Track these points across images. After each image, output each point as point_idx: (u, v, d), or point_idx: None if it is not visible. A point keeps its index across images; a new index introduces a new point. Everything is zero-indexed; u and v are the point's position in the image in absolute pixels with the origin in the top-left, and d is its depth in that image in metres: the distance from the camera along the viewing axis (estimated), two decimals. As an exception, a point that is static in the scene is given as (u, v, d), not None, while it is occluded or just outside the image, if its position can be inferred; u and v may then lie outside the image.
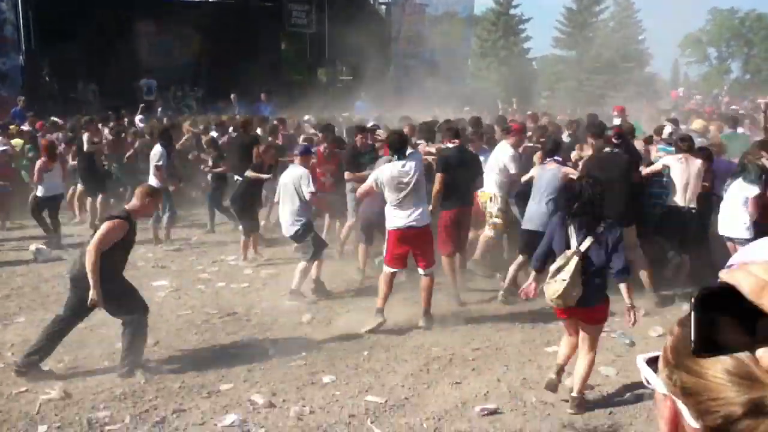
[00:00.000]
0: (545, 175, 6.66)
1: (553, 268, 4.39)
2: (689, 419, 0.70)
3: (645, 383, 0.77)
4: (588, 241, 4.37)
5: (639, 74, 39.03)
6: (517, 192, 7.32)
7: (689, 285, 6.90)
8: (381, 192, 6.20)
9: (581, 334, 4.58)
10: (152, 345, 5.67)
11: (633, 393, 4.78)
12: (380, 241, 7.51)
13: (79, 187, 10.83)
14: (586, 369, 4.51)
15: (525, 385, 4.95)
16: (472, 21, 33.18)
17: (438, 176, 6.76)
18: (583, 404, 4.54)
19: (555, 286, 4.32)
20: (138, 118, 15.08)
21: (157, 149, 9.30)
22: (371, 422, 4.38)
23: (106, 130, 12.54)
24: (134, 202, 5.30)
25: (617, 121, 10.92)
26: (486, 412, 4.49)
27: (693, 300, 0.62)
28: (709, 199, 7.07)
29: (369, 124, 11.42)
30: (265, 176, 8.44)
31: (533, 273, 4.84)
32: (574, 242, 4.43)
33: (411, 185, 5.92)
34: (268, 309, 6.70)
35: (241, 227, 8.71)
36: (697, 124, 10.94)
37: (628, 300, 4.39)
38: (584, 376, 4.52)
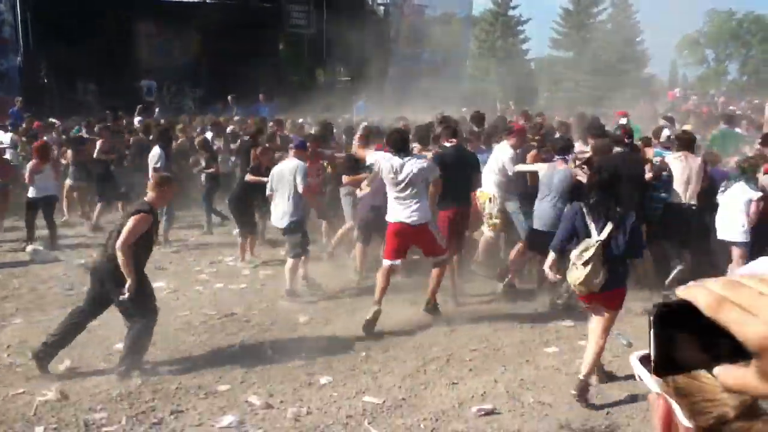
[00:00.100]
0: (556, 174, 6.63)
1: (574, 255, 4.57)
2: (682, 418, 0.70)
3: (638, 380, 0.78)
4: (607, 230, 4.55)
5: (637, 75, 39.09)
6: (520, 193, 7.30)
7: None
8: (380, 190, 6.20)
9: (596, 318, 4.71)
10: (150, 346, 5.66)
11: (630, 393, 4.78)
12: (378, 242, 7.52)
13: (68, 182, 10.76)
14: (596, 353, 4.64)
15: (522, 386, 4.95)
16: (471, 22, 33.23)
17: None
18: (586, 389, 4.60)
19: (577, 273, 4.50)
20: (137, 119, 15.05)
21: (156, 151, 9.29)
22: (368, 423, 4.38)
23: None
24: (151, 194, 5.33)
25: (623, 121, 10.92)
26: (483, 413, 4.49)
27: (651, 317, 0.62)
28: (711, 196, 7.06)
29: (362, 126, 11.41)
30: (264, 179, 8.40)
31: (551, 257, 4.97)
32: (593, 230, 4.61)
33: (402, 184, 5.94)
34: (266, 310, 6.70)
35: (237, 229, 8.70)
36: (688, 126, 11.03)
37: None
38: (593, 359, 4.65)
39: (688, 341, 0.60)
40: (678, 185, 7.03)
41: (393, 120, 11.53)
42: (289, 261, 6.97)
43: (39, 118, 13.97)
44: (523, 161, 7.40)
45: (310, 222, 8.63)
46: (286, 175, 6.93)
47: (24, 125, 13.17)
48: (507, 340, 5.90)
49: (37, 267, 8.32)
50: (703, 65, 50.06)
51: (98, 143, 10.76)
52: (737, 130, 11.16)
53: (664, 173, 7.09)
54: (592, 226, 4.65)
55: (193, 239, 9.88)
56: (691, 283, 0.63)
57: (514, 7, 42.68)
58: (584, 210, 4.72)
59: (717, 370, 0.60)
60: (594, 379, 4.85)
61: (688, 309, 0.60)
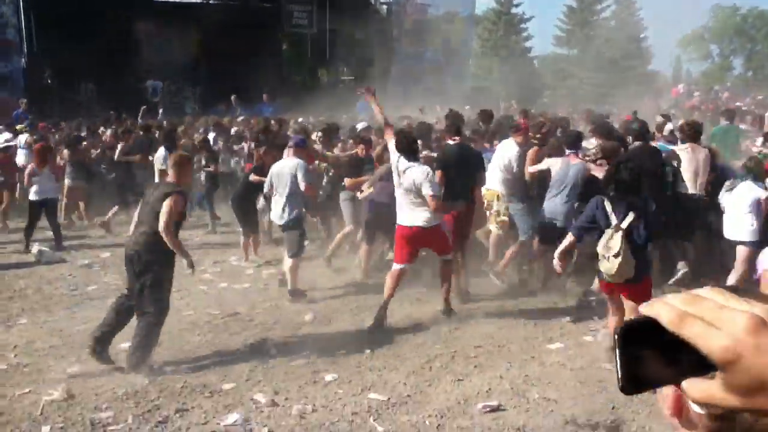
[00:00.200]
0: (571, 168, 6.61)
1: (600, 247, 4.76)
2: (693, 405, 0.70)
3: None
4: (629, 219, 4.72)
5: (641, 72, 38.98)
6: (521, 195, 7.26)
7: (695, 282, 6.88)
8: (384, 189, 6.18)
9: (628, 305, 4.85)
10: (155, 345, 5.68)
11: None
12: (380, 240, 7.52)
13: (66, 182, 10.74)
14: None
15: (527, 382, 4.94)
16: (474, 20, 33.20)
17: (437, 174, 6.72)
18: None
19: (609, 264, 4.69)
20: (140, 123, 15.02)
21: (161, 152, 9.31)
22: (374, 420, 4.38)
23: (108, 132, 12.60)
24: (172, 174, 5.40)
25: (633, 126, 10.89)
26: (488, 409, 4.48)
27: (615, 336, 0.61)
28: (717, 188, 7.02)
29: (359, 125, 11.43)
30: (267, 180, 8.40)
31: (567, 241, 5.19)
32: (614, 221, 4.78)
33: (404, 188, 5.91)
34: (270, 309, 6.71)
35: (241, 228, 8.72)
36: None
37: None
38: None
39: (654, 358, 0.60)
40: (687, 177, 7.00)
41: (397, 119, 11.51)
42: (289, 261, 6.97)
43: (42, 120, 14.05)
44: (524, 159, 7.38)
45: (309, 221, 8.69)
46: (285, 173, 6.92)
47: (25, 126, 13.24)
48: (511, 336, 5.89)
49: (42, 268, 8.35)
50: (708, 61, 49.89)
51: (119, 146, 10.82)
52: (741, 126, 11.13)
53: (668, 167, 7.07)
54: (612, 217, 4.80)
55: (198, 239, 9.90)
56: (653, 299, 0.63)
57: (517, 5, 42.64)
58: (605, 202, 4.87)
59: (684, 384, 0.60)
60: None
61: (651, 326, 0.60)
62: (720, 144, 9.18)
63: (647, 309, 0.61)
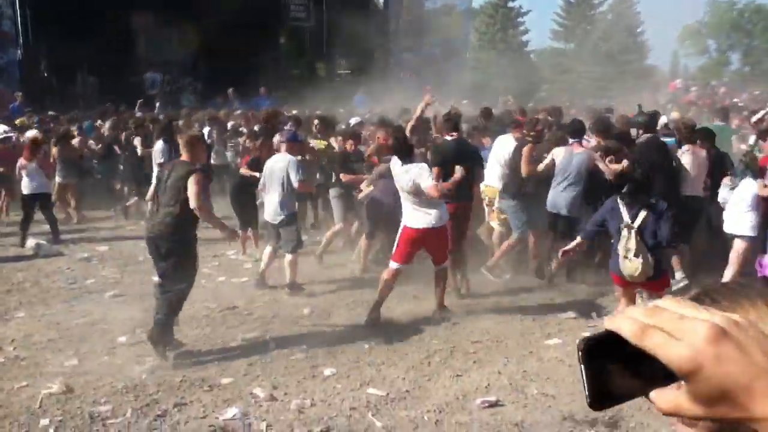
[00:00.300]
0: (575, 158, 6.60)
1: (620, 248, 4.95)
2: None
3: None
4: (641, 217, 4.88)
5: (638, 66, 38.98)
6: (514, 191, 7.24)
7: (696, 282, 6.86)
8: (386, 188, 6.16)
9: (625, 303, 5.14)
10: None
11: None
12: (382, 235, 7.50)
13: (57, 180, 10.66)
14: None
15: (526, 378, 4.96)
16: (471, 14, 33.12)
17: (434, 170, 6.69)
18: None
19: (632, 265, 4.87)
20: (136, 115, 14.91)
21: (159, 145, 9.27)
22: (372, 415, 4.39)
23: (107, 124, 12.55)
24: (187, 155, 5.45)
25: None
26: (487, 405, 4.50)
27: (579, 352, 0.62)
28: (715, 189, 7.04)
29: (352, 120, 11.40)
30: (258, 175, 8.24)
31: (577, 241, 5.48)
32: (626, 218, 4.96)
33: (406, 191, 5.89)
34: (269, 303, 6.71)
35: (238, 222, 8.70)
36: (674, 114, 11.08)
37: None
38: None
39: (620, 371, 0.61)
40: (692, 178, 6.99)
41: (398, 112, 11.50)
42: (288, 256, 6.97)
43: (39, 113, 13.98)
44: (519, 155, 7.35)
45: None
46: (276, 170, 6.89)
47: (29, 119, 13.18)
48: (509, 332, 5.91)
49: (40, 261, 8.34)
50: (705, 56, 49.88)
51: (137, 140, 10.77)
52: (736, 122, 11.14)
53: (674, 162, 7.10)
54: (625, 215, 4.97)
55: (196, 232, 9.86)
56: (615, 312, 0.64)
57: (513, -1, 42.55)
58: (619, 202, 5.05)
59: (652, 395, 0.60)
60: None
61: (614, 339, 0.60)
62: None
63: (609, 323, 0.62)
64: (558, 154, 6.81)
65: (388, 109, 13.43)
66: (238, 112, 14.98)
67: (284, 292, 6.93)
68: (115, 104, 16.24)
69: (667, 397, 0.59)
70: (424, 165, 6.01)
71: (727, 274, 6.50)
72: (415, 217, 5.93)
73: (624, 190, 5.11)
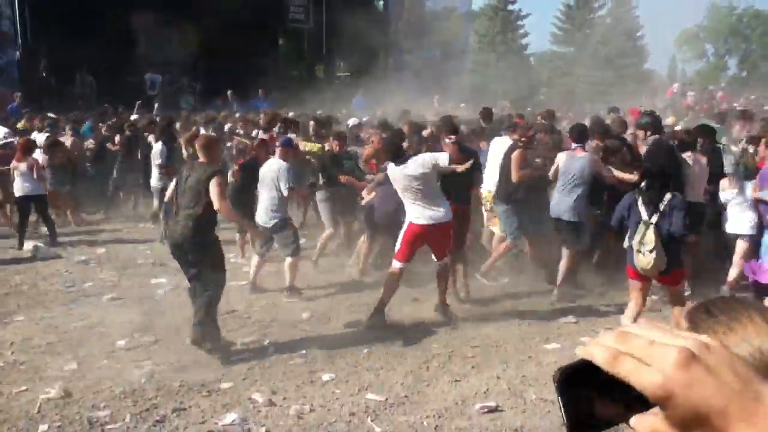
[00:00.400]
0: (575, 163, 6.62)
1: (635, 242, 5.13)
2: None
3: None
4: (659, 213, 5.08)
5: (637, 70, 39.05)
6: (505, 197, 7.21)
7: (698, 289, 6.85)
8: (387, 194, 6.16)
9: (635, 296, 5.43)
10: (151, 343, 5.68)
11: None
12: (385, 240, 7.47)
13: (48, 187, 10.59)
14: None
15: (525, 383, 4.96)
16: (471, 16, 33.17)
17: (451, 147, 6.67)
18: None
19: (645, 259, 5.07)
20: (133, 117, 14.75)
21: (158, 147, 9.27)
22: (371, 420, 4.39)
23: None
24: (204, 157, 5.47)
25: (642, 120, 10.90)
26: (486, 410, 4.50)
27: (556, 382, 0.63)
28: (716, 195, 7.07)
29: (350, 121, 11.42)
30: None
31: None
32: (644, 215, 5.16)
33: (410, 189, 5.88)
34: (267, 307, 6.71)
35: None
36: (670, 119, 11.15)
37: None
38: None
39: (597, 398, 0.61)
40: (694, 185, 7.00)
41: (398, 114, 11.51)
42: (288, 259, 6.97)
43: (38, 114, 13.95)
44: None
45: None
46: (268, 176, 6.90)
47: (23, 122, 13.14)
48: (508, 336, 5.91)
49: (38, 264, 8.33)
50: (703, 60, 49.98)
51: (151, 137, 10.75)
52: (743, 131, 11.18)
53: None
54: (643, 211, 5.15)
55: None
56: (587, 340, 0.64)
57: (513, 2, 42.61)
58: (638, 198, 5.24)
59: (632, 421, 0.60)
60: None
61: (590, 367, 0.61)
62: None
63: (582, 351, 0.62)
64: (560, 158, 6.83)
65: (388, 111, 13.44)
66: (237, 114, 14.98)
67: (283, 296, 6.92)
68: (114, 105, 16.21)
69: (645, 423, 0.59)
70: (426, 154, 6.07)
71: (732, 274, 6.56)
72: (422, 214, 5.93)
73: (641, 186, 5.32)
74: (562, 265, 6.80)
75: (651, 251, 5.05)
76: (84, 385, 4.86)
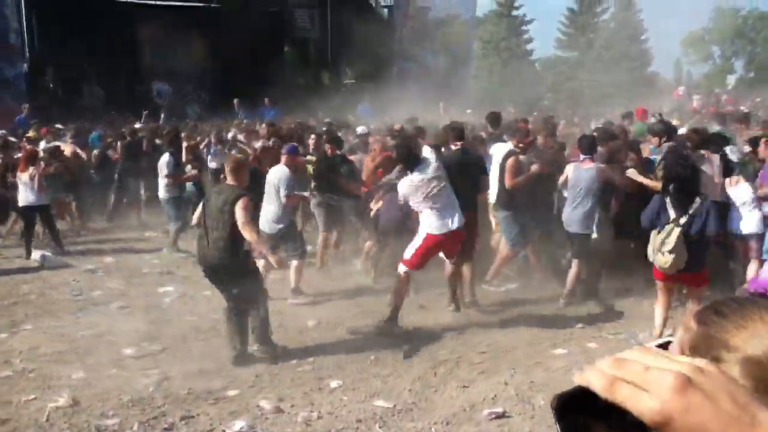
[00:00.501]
0: (583, 175, 6.61)
1: (658, 240, 5.27)
2: None
3: None
4: (686, 216, 5.21)
5: (641, 75, 39.00)
6: (505, 204, 7.20)
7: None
8: (394, 201, 6.17)
9: (662, 297, 5.55)
10: (159, 352, 5.69)
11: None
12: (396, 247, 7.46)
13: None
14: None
15: (533, 389, 4.93)
16: (475, 23, 33.23)
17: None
18: None
19: (664, 258, 5.22)
20: (138, 125, 14.68)
21: (165, 158, 9.30)
22: (379, 427, 4.38)
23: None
24: (232, 179, 5.51)
25: (652, 120, 10.86)
26: (494, 416, 4.48)
27: (553, 409, 0.63)
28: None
29: (359, 129, 11.43)
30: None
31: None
32: (673, 217, 5.30)
33: (440, 189, 5.86)
34: (274, 314, 6.66)
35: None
36: (675, 122, 11.12)
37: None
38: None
39: (595, 424, 0.61)
40: (707, 185, 7.02)
41: (405, 120, 11.53)
42: (294, 262, 7.03)
43: (45, 125, 14.02)
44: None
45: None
46: (272, 183, 6.94)
47: (31, 133, 13.20)
48: (516, 342, 5.89)
49: (46, 273, 8.36)
50: (709, 63, 49.85)
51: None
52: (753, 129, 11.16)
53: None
54: (671, 212, 5.32)
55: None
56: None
57: (517, 8, 42.68)
58: (667, 200, 5.39)
59: None
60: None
61: (587, 393, 0.61)
62: None
63: (579, 378, 0.63)
64: (569, 169, 6.83)
65: (395, 118, 13.47)
66: (244, 122, 15.03)
67: (289, 302, 6.92)
68: (122, 115, 16.30)
69: None
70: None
71: (751, 271, 6.55)
72: (442, 222, 5.90)
73: (670, 189, 5.45)
74: (571, 275, 6.78)
75: (670, 252, 5.19)
76: (92, 393, 4.87)
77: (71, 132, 12.08)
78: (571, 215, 6.68)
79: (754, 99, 22.49)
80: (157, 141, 11.95)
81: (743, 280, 6.58)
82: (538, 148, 8.03)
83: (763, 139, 6.91)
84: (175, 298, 7.23)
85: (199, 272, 8.20)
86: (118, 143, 11.90)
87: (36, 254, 8.81)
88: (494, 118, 9.86)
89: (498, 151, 7.47)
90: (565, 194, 7.14)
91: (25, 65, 19.88)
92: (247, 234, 5.17)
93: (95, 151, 12.22)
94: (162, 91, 20.45)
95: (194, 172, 9.89)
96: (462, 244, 6.56)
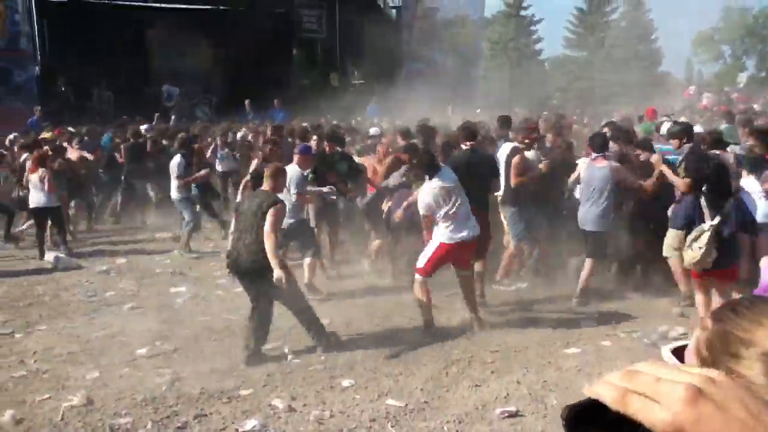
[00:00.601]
0: (597, 173, 6.59)
1: (690, 238, 5.35)
2: None
3: None
4: (719, 216, 5.32)
5: (651, 73, 38.82)
6: (512, 200, 7.21)
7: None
8: (402, 199, 6.16)
9: (701, 295, 5.61)
10: (172, 351, 5.72)
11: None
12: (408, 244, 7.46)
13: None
14: None
15: (545, 388, 4.92)
16: (483, 23, 33.20)
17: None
18: None
19: (692, 254, 5.30)
20: (144, 127, 14.16)
21: (177, 159, 9.34)
22: (391, 426, 4.38)
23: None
24: (269, 184, 5.60)
25: (664, 120, 10.81)
26: (506, 415, 4.47)
27: (564, 420, 0.63)
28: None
29: (372, 131, 11.45)
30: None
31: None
32: (707, 216, 5.42)
33: (458, 207, 5.87)
34: (286, 313, 6.69)
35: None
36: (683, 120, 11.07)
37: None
38: None
39: None
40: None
41: (418, 121, 11.51)
42: (307, 259, 7.09)
43: (56, 128, 14.12)
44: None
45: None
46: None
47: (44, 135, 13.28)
48: (528, 341, 5.87)
49: (59, 274, 8.42)
50: (719, 62, 49.55)
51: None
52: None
53: None
54: (705, 211, 5.46)
55: (212, 245, 9.93)
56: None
57: (525, 8, 42.61)
58: (702, 200, 5.54)
59: None
60: None
61: (597, 405, 0.61)
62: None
63: (589, 390, 0.63)
64: (581, 167, 6.81)
65: (405, 119, 13.47)
66: (251, 123, 15.08)
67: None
68: (132, 117, 16.39)
69: None
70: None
71: (764, 264, 6.49)
72: (455, 234, 5.90)
73: (704, 189, 5.60)
74: (584, 274, 6.75)
75: (700, 248, 5.28)
76: (106, 393, 4.90)
77: (76, 138, 12.16)
78: (586, 213, 6.65)
79: (766, 96, 22.34)
80: (164, 142, 12.01)
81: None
82: (546, 147, 8.02)
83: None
84: (187, 299, 7.27)
85: (211, 273, 8.33)
86: (122, 146, 11.93)
87: (49, 256, 8.88)
88: (504, 120, 9.85)
89: (504, 149, 7.46)
90: (576, 194, 7.12)
91: (37, 69, 20.01)
92: (267, 242, 5.23)
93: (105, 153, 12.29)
94: (171, 93, 20.51)
95: (204, 171, 9.93)
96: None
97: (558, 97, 35.78)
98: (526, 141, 7.29)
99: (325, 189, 7.59)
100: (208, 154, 11.68)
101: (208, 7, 22.66)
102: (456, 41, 26.86)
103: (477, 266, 6.67)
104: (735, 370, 0.73)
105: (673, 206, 6.32)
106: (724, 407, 0.57)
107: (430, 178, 5.89)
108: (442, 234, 5.93)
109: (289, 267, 5.78)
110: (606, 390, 0.61)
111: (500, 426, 4.37)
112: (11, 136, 12.95)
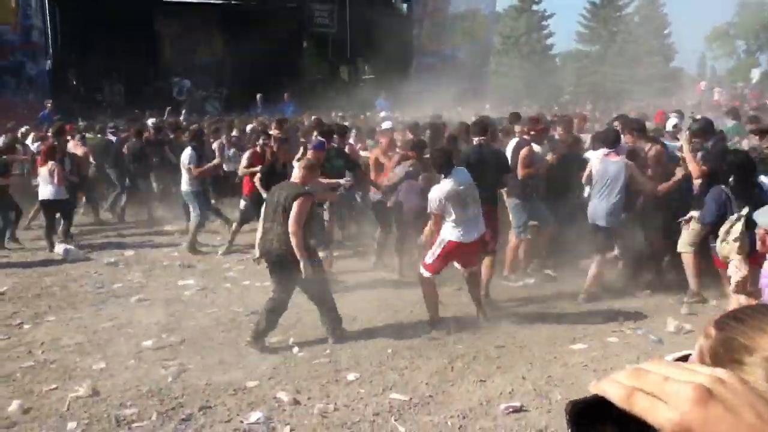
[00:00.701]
0: (610, 168, 6.55)
1: (722, 231, 5.29)
2: None
3: None
4: (747, 207, 5.25)
5: (664, 70, 38.52)
6: (517, 193, 7.18)
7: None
8: (413, 188, 6.14)
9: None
10: (178, 343, 5.75)
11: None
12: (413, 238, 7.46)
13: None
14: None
15: (550, 383, 4.90)
16: (495, 18, 33.02)
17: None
18: None
19: (729, 247, 5.22)
20: (151, 121, 14.19)
21: (188, 152, 9.37)
22: (395, 420, 4.38)
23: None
24: (300, 178, 5.66)
25: (672, 120, 10.73)
26: (511, 410, 4.46)
27: (567, 417, 0.63)
28: None
29: (384, 125, 11.41)
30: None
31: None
32: (735, 208, 5.41)
33: (473, 201, 5.87)
34: (292, 307, 6.72)
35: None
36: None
37: None
38: None
39: None
40: None
41: (431, 117, 11.49)
42: (320, 253, 7.06)
43: (68, 122, 14.20)
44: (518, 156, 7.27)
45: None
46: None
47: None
48: (534, 337, 5.85)
49: (68, 265, 8.48)
50: (733, 57, 49.07)
51: (215, 144, 10.78)
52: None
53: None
54: (733, 203, 5.47)
55: (220, 238, 9.96)
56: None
57: (537, 2, 42.37)
58: (728, 192, 5.55)
59: None
60: None
61: (602, 402, 0.60)
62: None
63: (595, 387, 0.62)
64: (593, 162, 6.75)
65: (411, 112, 13.44)
66: (260, 117, 15.09)
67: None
68: (143, 111, 16.45)
69: None
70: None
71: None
72: (464, 232, 5.88)
73: (731, 181, 5.58)
74: (592, 270, 6.72)
75: (735, 240, 5.22)
76: (112, 384, 4.94)
77: (78, 135, 12.22)
78: (597, 208, 6.61)
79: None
80: (170, 135, 12.02)
81: None
82: (555, 140, 7.98)
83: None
84: (194, 291, 7.30)
85: (219, 265, 8.36)
86: (125, 145, 11.93)
87: (59, 248, 8.95)
88: (516, 117, 9.87)
89: (512, 144, 7.46)
90: (586, 192, 7.07)
91: (49, 62, 20.12)
92: (292, 230, 5.29)
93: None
94: (182, 86, 20.58)
95: (217, 161, 10.01)
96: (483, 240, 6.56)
97: (570, 92, 35.60)
98: (532, 133, 7.28)
99: (342, 180, 7.59)
100: (215, 151, 11.68)
101: (220, 1, 22.73)
102: (467, 36, 26.71)
103: (485, 262, 6.66)
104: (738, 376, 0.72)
105: (695, 198, 6.31)
106: (733, 409, 0.56)
107: (444, 177, 5.87)
108: (450, 232, 5.90)
109: (319, 256, 5.89)
110: (613, 388, 0.61)
111: (504, 421, 4.36)
112: (23, 129, 13.06)
